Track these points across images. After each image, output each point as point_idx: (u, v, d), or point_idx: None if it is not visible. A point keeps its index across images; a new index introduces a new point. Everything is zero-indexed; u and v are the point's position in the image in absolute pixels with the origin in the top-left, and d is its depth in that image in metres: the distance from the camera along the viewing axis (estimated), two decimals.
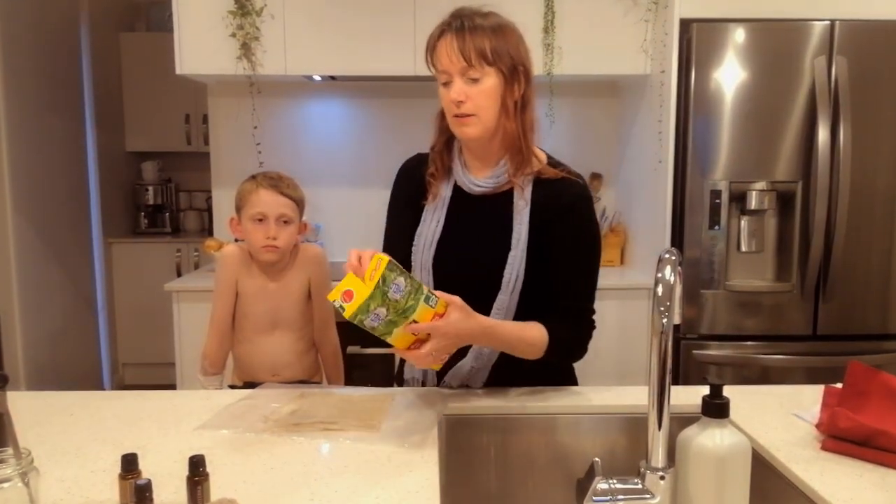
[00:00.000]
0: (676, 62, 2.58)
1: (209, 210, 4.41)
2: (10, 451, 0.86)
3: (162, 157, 4.85)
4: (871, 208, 2.54)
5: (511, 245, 1.41)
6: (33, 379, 3.38)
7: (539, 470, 1.39)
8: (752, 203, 2.53)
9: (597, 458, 0.99)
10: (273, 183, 1.76)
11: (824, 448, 1.17)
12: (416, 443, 1.21)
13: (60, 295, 3.76)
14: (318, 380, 1.90)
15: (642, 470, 0.96)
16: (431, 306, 1.21)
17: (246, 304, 1.80)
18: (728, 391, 1.00)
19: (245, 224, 1.78)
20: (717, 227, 2.54)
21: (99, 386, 4.23)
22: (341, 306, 1.14)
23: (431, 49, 1.38)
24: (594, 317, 1.47)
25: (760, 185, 2.53)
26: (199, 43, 2.77)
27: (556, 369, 1.51)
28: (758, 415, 1.34)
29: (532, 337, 1.38)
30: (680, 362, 2.58)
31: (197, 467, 0.95)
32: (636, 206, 3.07)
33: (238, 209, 1.80)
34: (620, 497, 0.96)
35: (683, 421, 1.06)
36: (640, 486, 0.96)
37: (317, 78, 3.11)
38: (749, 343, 2.58)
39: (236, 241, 2.27)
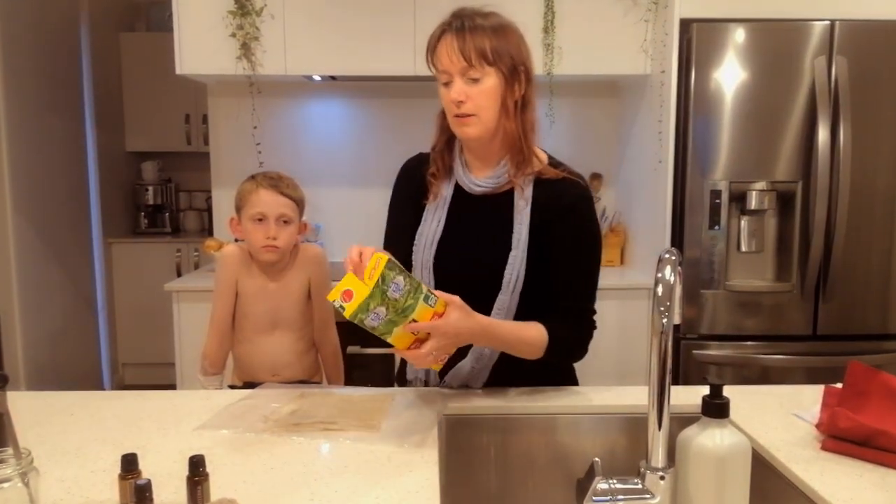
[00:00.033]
0: (676, 62, 2.58)
1: (209, 210, 4.41)
2: (10, 451, 0.86)
3: (162, 157, 4.85)
4: (871, 208, 2.54)
5: (512, 245, 1.41)
6: (33, 379, 3.38)
7: (539, 470, 1.39)
8: (752, 203, 2.53)
9: (597, 458, 0.99)
10: (273, 183, 1.77)
11: (824, 448, 1.17)
12: (416, 443, 1.21)
13: (60, 295, 3.76)
14: (318, 380, 1.90)
15: (642, 470, 0.96)
16: (431, 306, 1.21)
17: (246, 304, 1.80)
18: (728, 391, 1.00)
19: (245, 224, 1.78)
20: (717, 227, 2.54)
21: (99, 386, 4.23)
22: (341, 306, 1.14)
23: (432, 49, 1.39)
24: (595, 317, 1.47)
25: (760, 185, 2.53)
26: (199, 43, 2.77)
27: (556, 369, 1.51)
28: (758, 415, 1.34)
29: (531, 336, 1.38)
30: (680, 362, 2.58)
31: (197, 467, 0.95)
32: (636, 206, 3.07)
33: (238, 209, 1.80)
34: (620, 497, 0.96)
35: (683, 421, 1.06)
36: (640, 486, 0.96)
37: (317, 78, 3.11)
38: (749, 343, 2.58)
39: (236, 241, 2.27)
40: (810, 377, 2.46)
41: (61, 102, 3.82)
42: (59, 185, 3.77)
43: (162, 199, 4.79)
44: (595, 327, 1.47)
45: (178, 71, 2.80)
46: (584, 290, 1.45)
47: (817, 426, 1.24)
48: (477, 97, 1.35)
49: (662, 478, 0.95)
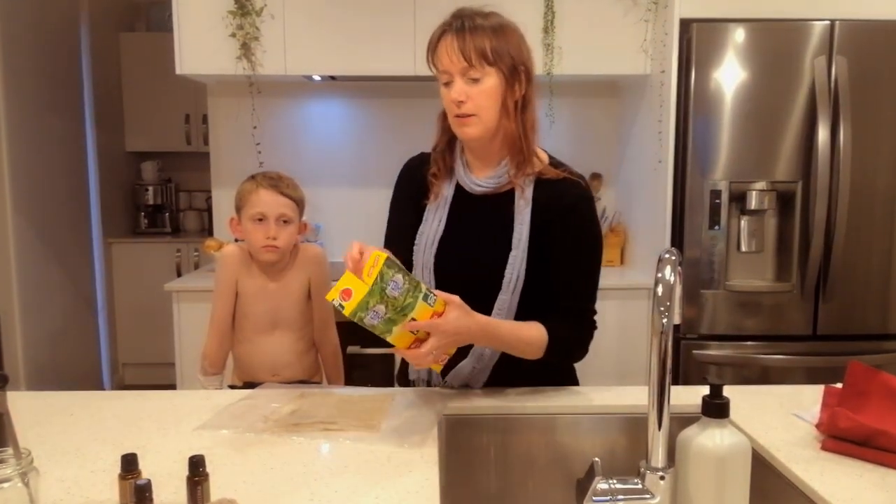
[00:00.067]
0: (676, 62, 2.58)
1: (209, 210, 4.41)
2: (10, 451, 0.86)
3: (162, 157, 4.85)
4: (871, 208, 2.54)
5: (512, 245, 1.41)
6: (33, 379, 3.38)
7: (539, 470, 1.39)
8: (752, 203, 2.53)
9: (597, 458, 0.99)
10: (273, 183, 1.77)
11: (824, 448, 1.17)
12: (415, 443, 1.21)
13: (60, 295, 3.76)
14: (318, 380, 1.90)
15: (642, 470, 0.96)
16: (430, 305, 1.21)
17: (246, 304, 1.80)
18: (728, 391, 1.00)
19: (245, 224, 1.78)
20: (717, 227, 2.54)
21: (99, 386, 4.23)
22: (340, 305, 1.14)
23: (432, 49, 1.39)
24: (595, 317, 1.47)
25: (760, 185, 2.53)
26: (199, 43, 2.77)
27: (556, 369, 1.51)
28: (758, 415, 1.34)
29: (531, 336, 1.38)
30: (680, 362, 2.58)
31: (197, 467, 0.94)
32: (636, 206, 3.07)
33: (238, 209, 1.80)
34: (620, 497, 0.96)
35: (683, 421, 1.06)
36: (640, 486, 0.96)
37: (317, 78, 3.11)
38: (749, 343, 2.58)
39: (236, 241, 2.27)
40: (810, 377, 2.46)
41: (61, 102, 3.82)
42: (59, 185, 3.77)
43: (162, 199, 4.79)
44: (595, 327, 1.47)
45: (178, 71, 2.80)
46: (585, 290, 1.45)
47: (817, 426, 1.24)
48: (477, 97, 1.35)
49: (662, 478, 0.95)
